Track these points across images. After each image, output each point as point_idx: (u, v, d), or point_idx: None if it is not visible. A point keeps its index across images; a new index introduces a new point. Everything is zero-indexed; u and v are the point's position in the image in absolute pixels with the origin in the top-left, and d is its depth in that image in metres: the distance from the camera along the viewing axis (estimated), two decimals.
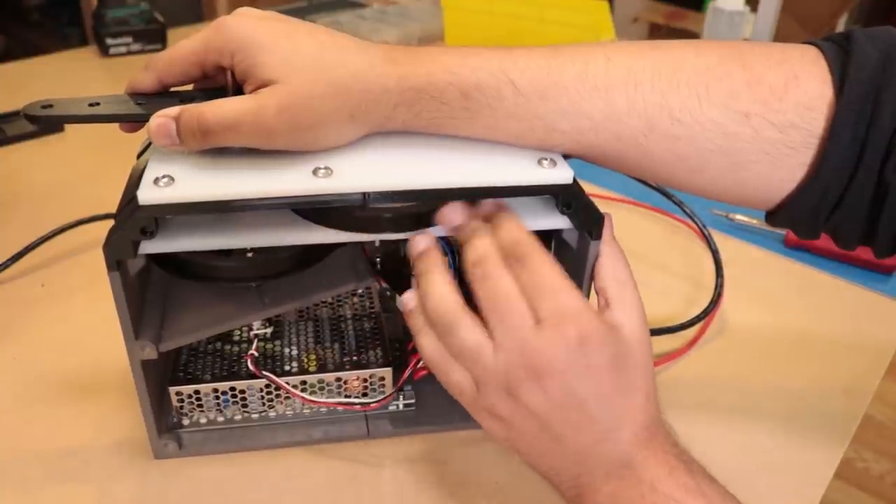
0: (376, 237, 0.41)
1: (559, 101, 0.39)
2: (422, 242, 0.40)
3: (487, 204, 0.41)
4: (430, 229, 0.41)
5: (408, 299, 0.41)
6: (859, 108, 0.38)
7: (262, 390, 0.48)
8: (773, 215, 0.43)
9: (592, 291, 0.42)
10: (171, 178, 0.38)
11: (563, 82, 0.40)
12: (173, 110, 0.38)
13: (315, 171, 0.39)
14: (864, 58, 0.39)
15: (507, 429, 0.39)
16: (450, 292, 0.39)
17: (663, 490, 0.36)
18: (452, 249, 0.43)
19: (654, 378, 0.40)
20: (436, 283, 0.39)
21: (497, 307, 0.37)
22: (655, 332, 0.58)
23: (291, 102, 0.37)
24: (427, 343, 0.40)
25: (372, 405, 0.48)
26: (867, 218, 0.40)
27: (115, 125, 0.41)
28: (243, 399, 0.48)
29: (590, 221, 0.41)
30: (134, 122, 0.41)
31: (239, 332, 0.51)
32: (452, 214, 0.40)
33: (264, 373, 0.47)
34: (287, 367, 0.48)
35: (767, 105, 0.39)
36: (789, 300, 0.66)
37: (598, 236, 0.41)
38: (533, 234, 0.39)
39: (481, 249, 0.38)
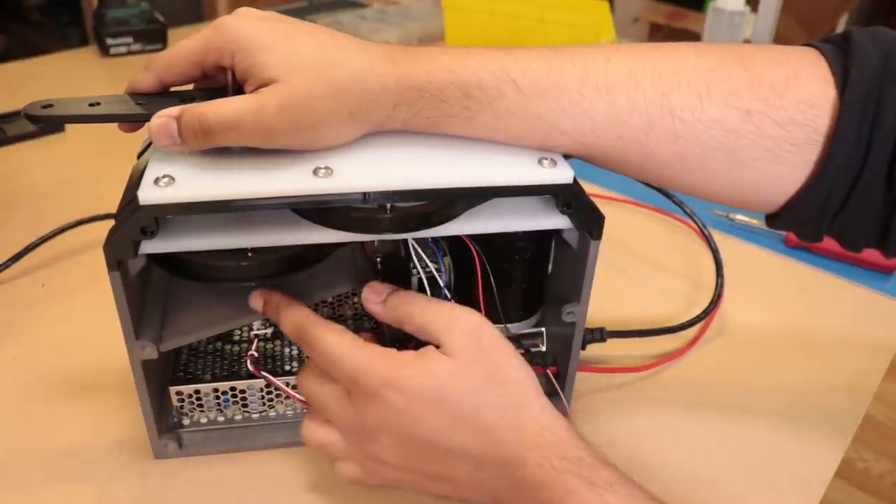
0: (376, 237, 0.41)
1: (560, 100, 0.39)
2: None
3: (269, 301, 0.43)
4: (434, 229, 0.41)
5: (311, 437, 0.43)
6: (862, 107, 0.38)
7: (262, 390, 0.48)
8: (776, 217, 0.43)
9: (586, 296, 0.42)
10: (172, 178, 0.38)
11: (564, 82, 0.40)
12: (174, 110, 0.38)
13: (315, 171, 0.39)
14: (864, 57, 0.39)
15: (412, 486, 0.41)
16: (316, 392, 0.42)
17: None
18: (439, 251, 0.44)
19: (523, 384, 0.39)
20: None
21: (315, 404, 0.42)
22: (655, 332, 0.58)
23: (292, 101, 0.37)
24: (345, 468, 0.42)
25: None
26: (875, 219, 0.40)
27: (115, 125, 0.41)
28: (243, 399, 0.48)
29: (590, 221, 0.41)
30: (134, 122, 0.41)
31: (239, 332, 0.51)
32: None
33: (263, 373, 0.47)
34: (287, 367, 0.48)
35: (768, 102, 0.39)
36: (789, 300, 0.66)
37: (599, 236, 0.41)
38: (304, 307, 0.42)
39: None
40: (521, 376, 0.39)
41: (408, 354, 0.38)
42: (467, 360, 0.38)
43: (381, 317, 0.42)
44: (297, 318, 0.41)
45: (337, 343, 0.39)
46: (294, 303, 0.42)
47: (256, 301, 0.44)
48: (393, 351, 0.39)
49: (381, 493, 0.46)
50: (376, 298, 0.42)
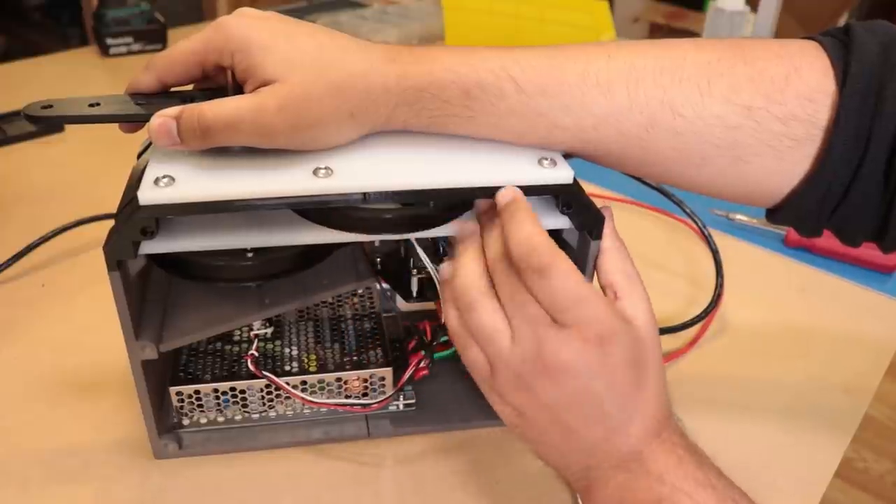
0: (376, 237, 0.41)
1: (561, 97, 0.40)
2: (468, 228, 0.41)
3: (504, 192, 0.39)
4: (434, 229, 0.41)
5: (443, 270, 0.41)
6: (862, 100, 0.38)
7: (262, 390, 0.48)
8: (776, 212, 0.43)
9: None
10: (172, 179, 0.38)
11: (565, 79, 0.40)
12: (174, 110, 0.38)
13: (315, 171, 0.39)
14: (864, 49, 0.39)
15: (518, 417, 0.39)
16: (477, 274, 0.39)
17: (671, 481, 0.37)
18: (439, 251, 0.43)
19: (664, 370, 0.40)
20: (467, 261, 0.39)
21: (515, 300, 0.37)
22: None
23: (291, 101, 0.37)
24: (451, 315, 0.40)
25: (372, 406, 0.48)
26: (874, 212, 0.40)
27: (115, 125, 0.41)
28: (243, 399, 0.48)
29: (590, 221, 0.41)
30: (134, 122, 0.41)
31: (239, 332, 0.51)
32: (483, 204, 0.41)
33: (264, 373, 0.47)
34: (287, 368, 0.48)
35: (769, 97, 0.39)
36: (789, 300, 0.66)
37: (599, 236, 0.41)
38: (547, 233, 0.37)
39: (492, 253, 0.38)
40: (661, 359, 0.40)
41: (620, 312, 0.38)
42: (650, 330, 0.39)
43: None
44: (537, 240, 0.36)
45: (583, 284, 0.36)
46: (534, 219, 0.38)
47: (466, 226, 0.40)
48: (614, 305, 0.38)
49: (381, 493, 0.46)
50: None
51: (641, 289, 0.40)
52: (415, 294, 0.48)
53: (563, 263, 0.36)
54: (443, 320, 0.41)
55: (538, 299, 0.37)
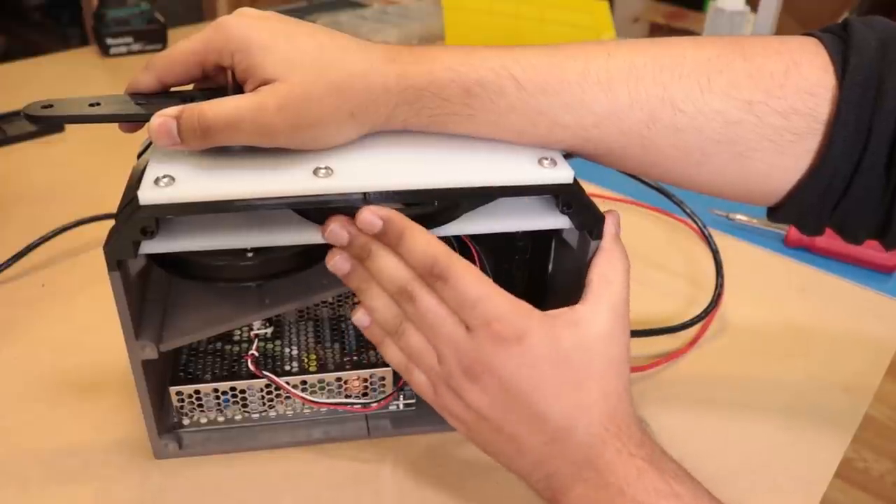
0: None
1: (561, 95, 0.40)
2: (341, 264, 0.40)
3: (369, 215, 0.38)
4: (434, 229, 0.41)
5: (360, 318, 0.42)
6: (862, 94, 0.38)
7: (262, 390, 0.48)
8: (778, 209, 0.43)
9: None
10: (172, 178, 0.38)
11: (565, 77, 0.40)
12: (174, 110, 0.38)
13: (316, 171, 0.39)
14: (863, 44, 0.39)
15: (467, 428, 0.40)
16: (389, 305, 0.40)
17: (631, 494, 0.36)
18: None
19: (622, 377, 0.39)
20: (374, 296, 0.40)
21: (426, 323, 0.39)
22: (655, 332, 0.58)
23: (291, 100, 0.37)
24: (389, 351, 0.41)
25: (372, 406, 0.48)
26: (876, 208, 0.40)
27: (115, 125, 0.41)
28: (244, 399, 0.48)
29: (590, 221, 0.41)
30: (134, 122, 0.41)
31: (239, 332, 0.51)
32: (340, 232, 0.39)
33: (265, 373, 0.47)
34: (287, 367, 0.48)
35: (769, 92, 0.39)
36: (789, 300, 0.66)
37: (599, 236, 0.41)
38: (442, 242, 0.38)
39: (395, 276, 0.39)
40: (628, 367, 0.40)
41: (546, 312, 0.38)
42: (602, 334, 0.38)
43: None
44: (434, 249, 0.38)
45: (480, 282, 0.37)
46: (423, 230, 0.38)
47: (338, 233, 0.39)
48: (528, 305, 0.38)
49: (382, 493, 0.46)
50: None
51: (611, 294, 0.39)
52: None
53: (459, 266, 0.37)
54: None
55: (449, 306, 0.38)
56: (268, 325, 0.50)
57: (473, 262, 0.45)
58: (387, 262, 0.39)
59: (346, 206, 0.39)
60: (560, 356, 0.37)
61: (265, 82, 0.38)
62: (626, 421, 0.39)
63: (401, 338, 0.40)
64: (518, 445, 0.39)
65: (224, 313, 0.45)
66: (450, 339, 0.38)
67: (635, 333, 0.56)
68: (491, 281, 0.38)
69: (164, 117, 0.38)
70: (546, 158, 0.41)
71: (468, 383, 0.38)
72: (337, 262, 0.40)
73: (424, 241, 0.38)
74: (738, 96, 0.39)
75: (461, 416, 0.40)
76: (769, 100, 0.39)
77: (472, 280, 0.37)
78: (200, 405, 0.48)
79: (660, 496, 0.36)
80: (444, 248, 0.38)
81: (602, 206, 0.42)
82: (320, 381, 0.48)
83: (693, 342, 0.59)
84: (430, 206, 0.40)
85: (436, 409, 0.41)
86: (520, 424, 0.38)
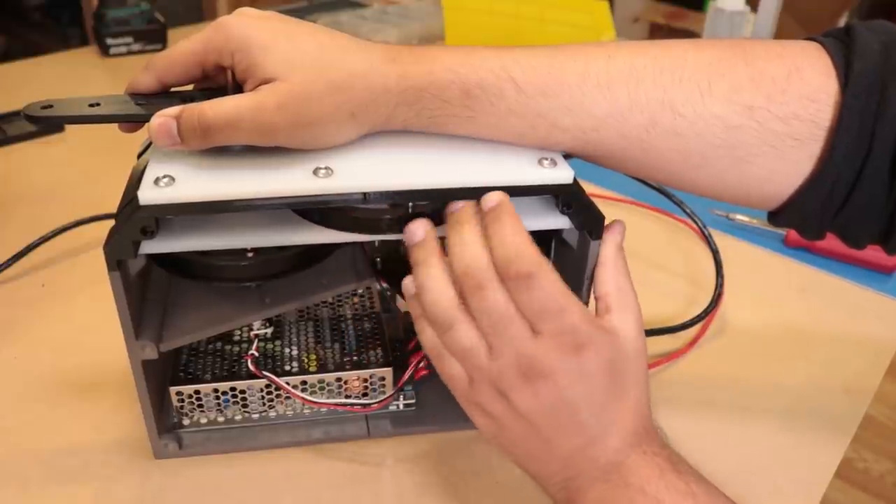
0: (376, 237, 0.41)
1: (561, 98, 0.39)
2: (419, 231, 0.40)
3: (491, 196, 0.39)
4: (435, 229, 0.41)
5: (408, 286, 0.40)
6: (865, 100, 0.38)
7: (262, 390, 0.48)
8: (779, 214, 0.43)
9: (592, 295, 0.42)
10: (172, 178, 0.38)
11: (565, 80, 0.39)
12: (174, 110, 0.38)
13: (315, 171, 0.39)
14: (866, 49, 0.39)
15: (497, 427, 0.39)
16: (446, 289, 0.38)
17: (652, 492, 0.37)
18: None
19: (648, 383, 0.40)
20: (432, 276, 0.39)
21: (491, 318, 0.37)
22: (655, 332, 0.58)
23: (291, 99, 0.37)
24: (425, 332, 0.40)
25: (372, 406, 0.48)
26: (878, 214, 0.40)
27: (115, 125, 0.41)
28: (244, 399, 0.48)
29: (590, 221, 0.41)
30: (134, 122, 0.41)
31: (239, 332, 0.51)
32: (456, 205, 0.39)
33: (265, 373, 0.47)
34: (287, 367, 0.48)
35: (770, 97, 0.39)
36: (789, 300, 0.66)
37: (599, 236, 0.41)
38: (534, 240, 0.38)
39: (471, 258, 0.37)
40: (647, 372, 0.40)
41: (601, 323, 0.39)
42: (635, 343, 0.39)
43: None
44: (528, 247, 0.37)
45: (565, 292, 0.37)
46: (521, 224, 0.38)
47: (417, 228, 0.39)
48: (592, 315, 0.39)
49: (382, 493, 0.46)
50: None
51: (633, 304, 0.40)
52: None
53: (549, 272, 0.37)
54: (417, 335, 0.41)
55: (520, 305, 0.37)
56: (268, 325, 0.50)
57: None
58: (472, 240, 0.38)
59: (346, 205, 0.39)
60: (610, 368, 0.38)
61: (265, 82, 0.37)
62: (650, 425, 0.39)
63: (449, 330, 0.38)
64: (550, 448, 0.38)
65: (224, 313, 0.45)
66: (515, 341, 0.37)
67: None
68: (569, 290, 0.38)
69: (164, 117, 0.38)
70: (546, 158, 0.41)
71: (523, 385, 0.37)
72: (415, 227, 0.39)
73: (518, 236, 0.37)
74: (739, 101, 0.39)
75: (495, 414, 0.39)
76: (770, 105, 0.39)
77: (560, 288, 0.37)
78: (200, 405, 0.48)
79: (679, 494, 0.37)
80: (534, 249, 0.37)
81: (602, 206, 0.42)
82: (320, 382, 0.48)
83: (693, 342, 0.59)
84: (427, 206, 0.40)
85: (461, 401, 0.40)
86: (559, 429, 0.38)
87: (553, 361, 0.37)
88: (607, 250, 0.41)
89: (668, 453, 0.39)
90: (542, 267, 0.37)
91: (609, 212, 0.42)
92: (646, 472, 0.37)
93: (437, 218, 0.41)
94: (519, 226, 0.38)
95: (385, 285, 0.47)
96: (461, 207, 0.39)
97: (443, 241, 0.40)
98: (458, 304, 0.38)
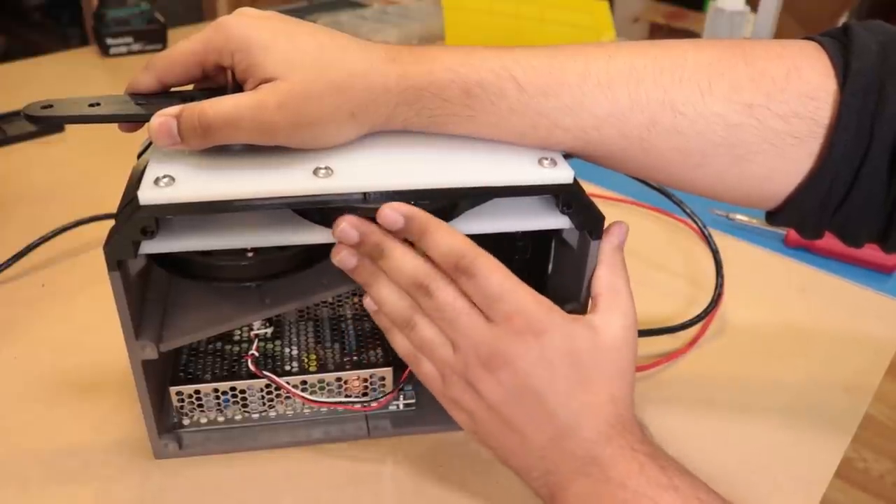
0: None
1: (561, 98, 0.40)
2: (348, 261, 0.40)
3: (391, 213, 0.38)
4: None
5: (368, 303, 0.42)
6: (864, 98, 0.38)
7: (262, 390, 0.48)
8: (778, 213, 0.43)
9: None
10: (172, 179, 0.38)
11: (566, 79, 0.40)
12: (174, 109, 0.38)
13: (315, 171, 0.39)
14: (864, 49, 0.39)
15: (473, 421, 0.40)
16: (400, 296, 0.40)
17: (633, 487, 0.37)
18: None
19: (631, 381, 0.40)
20: (383, 289, 0.40)
21: (445, 314, 0.39)
22: (655, 332, 0.58)
23: (291, 98, 0.37)
24: (397, 339, 0.42)
25: (372, 405, 0.48)
26: (877, 212, 0.40)
27: (115, 125, 0.41)
28: (244, 399, 0.48)
29: (590, 221, 0.41)
30: (134, 122, 0.41)
31: (239, 332, 0.51)
32: (351, 231, 0.39)
33: (265, 373, 0.47)
34: (287, 367, 0.48)
35: (770, 96, 0.39)
36: (789, 300, 0.66)
37: (599, 236, 0.41)
38: (465, 237, 0.39)
39: (411, 267, 0.39)
40: (634, 376, 0.41)
41: (565, 314, 0.39)
42: (616, 342, 0.40)
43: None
44: (460, 244, 0.38)
45: (506, 277, 0.38)
46: (447, 225, 0.39)
47: (349, 232, 0.39)
48: (550, 302, 0.39)
49: (382, 493, 0.46)
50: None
51: (623, 304, 0.41)
52: None
53: (486, 261, 0.38)
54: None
55: (470, 297, 0.38)
56: (268, 325, 0.50)
57: None
58: (402, 258, 0.39)
59: (346, 205, 0.39)
60: (574, 357, 0.38)
61: (265, 81, 0.38)
62: (630, 422, 0.39)
63: (412, 330, 0.40)
64: (522, 440, 0.39)
65: (224, 313, 0.45)
66: (469, 331, 0.38)
67: None
68: (515, 276, 0.38)
69: (164, 117, 0.38)
70: (546, 158, 0.41)
71: (485, 374, 0.38)
72: (343, 258, 0.40)
73: (449, 237, 0.38)
74: (739, 100, 0.39)
75: (469, 408, 0.40)
76: (770, 103, 0.39)
77: (497, 274, 0.38)
78: (200, 405, 0.48)
79: (660, 488, 0.37)
80: (469, 243, 0.38)
81: (602, 206, 0.42)
82: (320, 381, 0.48)
83: (693, 342, 0.59)
84: (427, 206, 0.40)
85: (440, 399, 0.41)
86: (528, 419, 0.38)
87: (509, 346, 0.37)
88: (605, 251, 0.42)
89: (649, 449, 0.39)
90: (481, 256, 0.38)
91: (609, 212, 0.42)
92: (625, 467, 0.37)
93: (440, 215, 0.41)
94: (444, 226, 0.39)
95: None
96: (371, 240, 0.39)
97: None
98: (416, 306, 0.40)
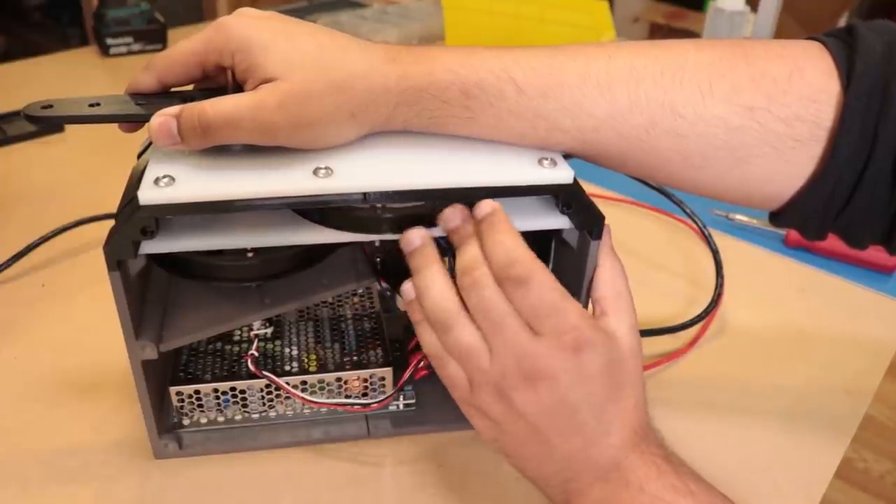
0: (376, 237, 0.41)
1: (561, 99, 0.39)
2: (415, 239, 0.40)
3: (483, 204, 0.39)
4: (434, 229, 0.41)
5: (407, 290, 0.41)
6: (868, 100, 0.38)
7: (262, 390, 0.48)
8: (781, 215, 0.43)
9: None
10: (172, 179, 0.38)
11: (565, 80, 0.39)
12: (174, 109, 0.38)
13: (315, 171, 0.39)
14: (869, 49, 0.39)
15: (497, 430, 0.39)
16: (446, 291, 0.39)
17: (651, 491, 0.37)
18: (453, 251, 0.43)
19: (644, 385, 0.40)
20: (432, 280, 0.39)
21: (490, 317, 0.37)
22: (655, 332, 0.58)
23: (291, 98, 0.37)
24: (426, 336, 0.40)
25: (372, 406, 0.48)
26: (881, 214, 0.40)
27: (115, 125, 0.41)
28: (244, 399, 0.48)
29: (590, 221, 0.41)
30: (134, 122, 0.41)
31: (239, 332, 0.51)
32: (452, 216, 0.40)
33: (265, 373, 0.47)
34: (287, 367, 0.48)
35: (771, 98, 0.39)
36: (789, 300, 0.66)
37: (599, 236, 0.41)
38: (526, 244, 0.38)
39: (470, 257, 0.38)
40: (642, 374, 0.41)
41: (596, 324, 0.39)
42: (632, 347, 0.40)
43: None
44: (521, 251, 0.37)
45: (561, 292, 0.37)
46: (514, 231, 0.38)
47: (453, 216, 0.40)
48: (591, 316, 0.39)
49: (382, 493, 0.46)
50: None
51: (629, 307, 0.41)
52: None
53: (543, 274, 0.37)
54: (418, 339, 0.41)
55: (518, 308, 0.37)
56: (268, 325, 0.50)
57: None
58: (471, 243, 0.39)
59: (346, 205, 0.39)
60: (609, 368, 0.38)
61: (265, 81, 0.38)
62: (649, 426, 0.39)
63: (448, 332, 0.38)
64: (550, 449, 0.38)
65: (224, 313, 0.45)
66: (514, 341, 0.37)
67: None
68: (566, 291, 0.38)
69: (164, 116, 0.38)
70: (546, 158, 0.41)
71: (524, 385, 0.37)
72: (412, 235, 0.40)
73: (513, 241, 0.38)
74: (740, 102, 0.39)
75: (496, 417, 0.39)
76: (771, 106, 0.39)
77: (554, 288, 0.37)
78: (200, 405, 0.48)
79: (678, 493, 0.37)
80: (529, 253, 0.38)
81: (602, 206, 0.42)
82: (320, 382, 0.48)
83: (693, 342, 0.59)
84: (427, 206, 0.40)
85: (461, 404, 0.40)
86: (560, 431, 0.38)
87: (554, 362, 0.37)
88: (603, 252, 0.42)
89: (665, 453, 0.39)
90: (538, 269, 0.37)
91: (609, 212, 0.42)
92: (644, 472, 0.37)
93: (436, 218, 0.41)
94: (513, 231, 0.38)
95: (385, 285, 0.47)
96: (455, 213, 0.40)
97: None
98: (459, 305, 0.38)
